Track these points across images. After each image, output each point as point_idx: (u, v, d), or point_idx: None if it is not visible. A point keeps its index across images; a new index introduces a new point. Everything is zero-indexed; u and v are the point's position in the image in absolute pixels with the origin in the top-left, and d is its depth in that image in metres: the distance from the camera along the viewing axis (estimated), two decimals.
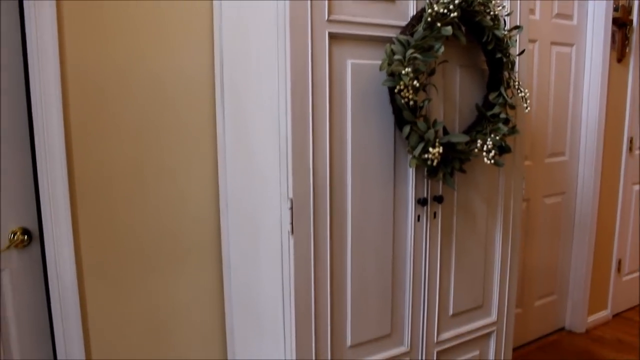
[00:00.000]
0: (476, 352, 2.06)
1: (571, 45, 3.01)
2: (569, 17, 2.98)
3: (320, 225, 1.56)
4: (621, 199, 3.44)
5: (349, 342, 1.69)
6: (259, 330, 1.81)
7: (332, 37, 1.49)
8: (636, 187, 3.53)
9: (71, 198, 1.69)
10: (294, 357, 1.58)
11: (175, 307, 1.96)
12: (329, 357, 1.64)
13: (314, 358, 1.60)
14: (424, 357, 1.87)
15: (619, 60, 3.20)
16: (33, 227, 1.73)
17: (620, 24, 3.13)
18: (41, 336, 1.79)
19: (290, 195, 1.50)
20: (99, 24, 1.68)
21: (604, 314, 3.48)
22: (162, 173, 1.86)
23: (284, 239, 1.56)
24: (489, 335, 2.08)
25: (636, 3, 3.19)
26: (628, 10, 3.16)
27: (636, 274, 3.69)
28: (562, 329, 3.37)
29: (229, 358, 2.06)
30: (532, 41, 2.78)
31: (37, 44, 1.56)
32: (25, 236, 1.71)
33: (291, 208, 1.50)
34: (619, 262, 3.53)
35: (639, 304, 3.75)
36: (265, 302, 1.73)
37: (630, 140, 3.40)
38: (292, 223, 1.51)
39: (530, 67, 2.81)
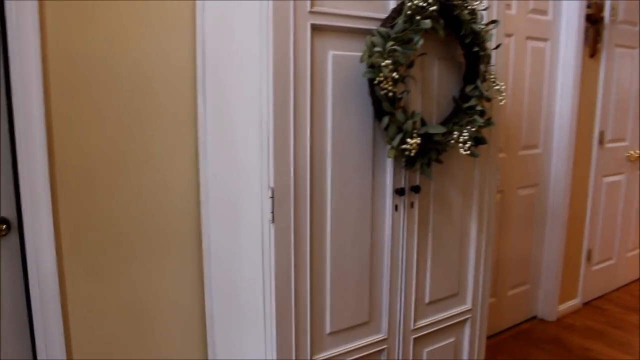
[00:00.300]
0: (452, 339, 2.11)
1: (546, 40, 3.08)
2: (544, 12, 3.04)
3: (300, 214, 1.58)
4: (592, 191, 3.53)
5: (328, 329, 1.72)
6: (240, 317, 1.83)
7: (315, 28, 1.51)
8: (606, 180, 3.63)
9: (51, 187, 1.69)
10: (275, 344, 1.60)
11: (155, 296, 1.97)
12: (309, 344, 1.67)
13: (294, 345, 1.63)
14: (401, 344, 1.92)
15: (591, 56, 3.28)
16: (12, 216, 1.72)
17: (593, 20, 3.20)
18: (20, 325, 1.78)
19: (272, 184, 1.52)
20: (80, 11, 1.67)
21: (574, 303, 3.58)
22: (143, 162, 1.87)
23: (265, 228, 1.58)
24: (464, 322, 2.14)
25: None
26: (600, 7, 3.23)
27: (605, 264, 3.79)
28: (535, 317, 3.46)
29: (209, 347, 2.08)
30: (508, 35, 2.83)
31: (18, 30, 1.55)
32: (4, 225, 1.69)
33: (272, 197, 1.52)
34: (589, 252, 3.63)
35: (611, 291, 3.87)
36: (246, 289, 1.75)
37: (601, 134, 3.49)
38: (273, 212, 1.53)
39: (506, 61, 2.86)
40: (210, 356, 2.08)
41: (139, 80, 1.82)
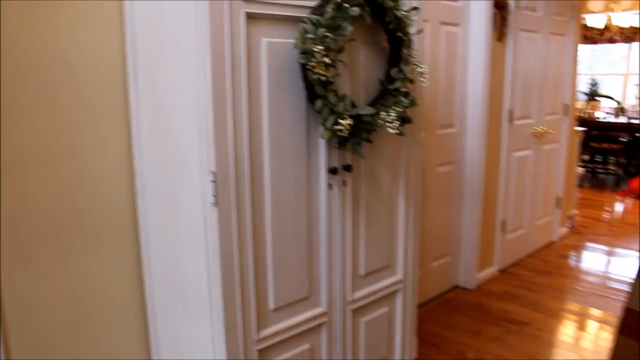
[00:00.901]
0: (386, 309, 2.24)
1: (458, 25, 3.26)
2: None
3: (241, 196, 1.64)
4: (504, 165, 3.80)
5: (272, 306, 1.79)
6: (183, 302, 1.86)
7: (249, 16, 1.55)
8: (515, 154, 3.91)
9: None
10: (222, 324, 1.65)
11: (94, 289, 1.95)
12: (254, 322, 1.73)
13: (240, 323, 1.69)
14: (339, 316, 2.02)
15: (499, 40, 3.51)
16: None
17: (499, 6, 3.43)
18: None
19: (213, 169, 1.56)
20: (2, 3, 1.63)
21: (491, 270, 3.85)
22: (74, 155, 1.84)
23: (207, 212, 1.62)
24: (396, 292, 2.28)
25: None
26: None
27: (517, 233, 4.10)
28: (457, 286, 3.69)
29: (151, 336, 2.09)
30: (425, 21, 2.98)
31: None
32: None
33: (214, 181, 1.57)
34: (503, 223, 3.91)
35: (524, 258, 4.18)
36: (189, 274, 1.79)
37: (510, 112, 3.75)
38: (215, 195, 1.58)
39: (423, 45, 3.01)
40: (153, 344, 2.09)
41: (66, 72, 1.78)
